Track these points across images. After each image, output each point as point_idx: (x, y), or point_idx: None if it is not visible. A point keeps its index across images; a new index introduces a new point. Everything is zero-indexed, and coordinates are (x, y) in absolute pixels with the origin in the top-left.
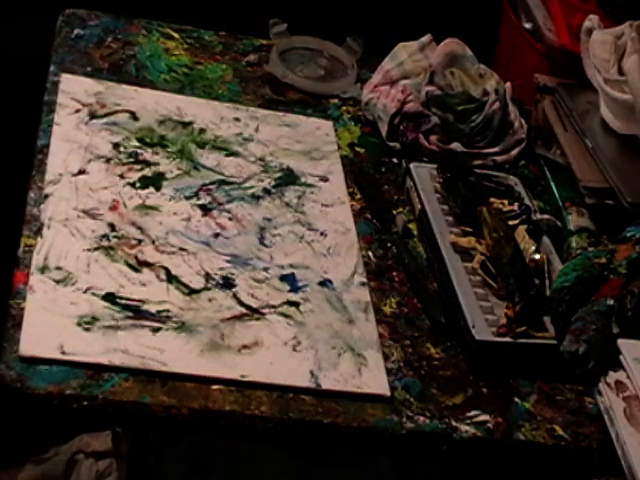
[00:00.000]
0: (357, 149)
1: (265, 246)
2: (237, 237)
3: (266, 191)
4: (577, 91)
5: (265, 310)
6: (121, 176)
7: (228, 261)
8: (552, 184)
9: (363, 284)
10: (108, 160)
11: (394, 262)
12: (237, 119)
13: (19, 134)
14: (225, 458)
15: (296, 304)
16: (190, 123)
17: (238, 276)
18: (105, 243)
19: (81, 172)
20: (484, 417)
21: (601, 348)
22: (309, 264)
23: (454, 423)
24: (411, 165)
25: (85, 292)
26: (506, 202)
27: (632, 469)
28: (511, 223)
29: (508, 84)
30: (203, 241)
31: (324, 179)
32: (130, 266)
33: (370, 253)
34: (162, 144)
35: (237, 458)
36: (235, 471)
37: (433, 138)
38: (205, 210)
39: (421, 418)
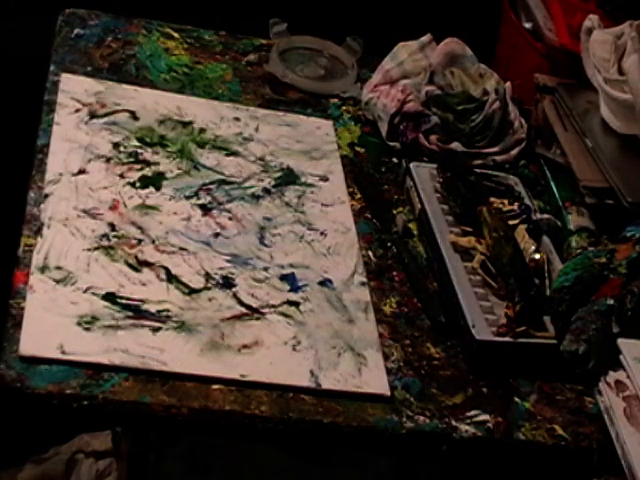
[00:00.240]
0: (357, 149)
1: (265, 246)
2: (237, 237)
3: (266, 191)
4: (577, 91)
5: (265, 310)
6: (121, 176)
7: (228, 261)
8: (552, 184)
9: (363, 284)
10: (108, 160)
11: (394, 262)
12: (237, 119)
13: (19, 134)
14: (225, 458)
15: (296, 304)
16: (190, 123)
17: (238, 276)
18: (105, 243)
19: (81, 172)
20: (484, 417)
21: (601, 348)
22: (309, 264)
23: (454, 423)
24: (411, 165)
25: (85, 292)
26: (506, 202)
27: (632, 469)
28: (511, 223)
29: (508, 84)
30: (203, 241)
31: (324, 179)
32: (130, 266)
33: (370, 253)
34: (162, 144)
35: (237, 458)
36: (235, 471)
37: (433, 138)
38: (205, 210)
39: (421, 418)
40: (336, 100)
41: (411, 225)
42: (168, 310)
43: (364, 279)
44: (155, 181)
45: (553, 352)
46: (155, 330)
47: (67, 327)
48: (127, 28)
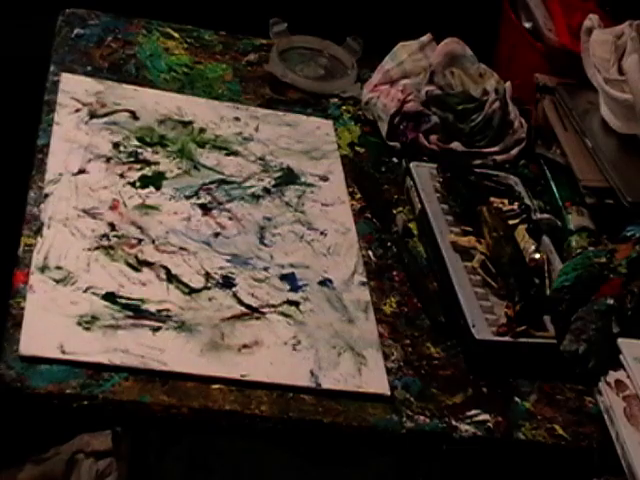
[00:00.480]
0: (357, 149)
1: (265, 245)
2: (237, 236)
3: (266, 190)
4: (577, 91)
5: (265, 309)
6: (121, 175)
7: (228, 260)
8: (552, 184)
9: (363, 284)
10: (108, 159)
11: (394, 262)
12: (237, 118)
13: (19, 134)
14: (225, 458)
15: (296, 303)
16: (190, 122)
17: (238, 275)
18: (105, 242)
19: (81, 171)
20: (484, 416)
21: (601, 347)
22: (309, 263)
23: (454, 422)
24: (411, 164)
25: (85, 291)
26: (506, 201)
27: (632, 468)
28: (511, 222)
29: (508, 84)
30: (203, 240)
31: (324, 178)
32: (130, 265)
33: (370, 252)
34: (162, 143)
35: (237, 458)
36: (235, 471)
37: (433, 138)
38: (205, 209)
39: (421, 417)
40: (336, 100)
41: (411, 225)
42: (168, 310)
43: (364, 279)
44: (155, 181)
45: (553, 352)
46: (155, 330)
47: (67, 327)
48: (127, 28)
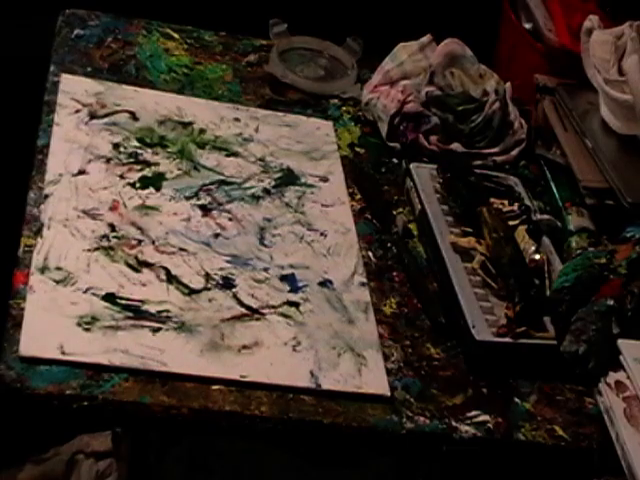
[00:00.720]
0: (357, 149)
1: (265, 246)
2: (237, 237)
3: (266, 191)
4: (577, 91)
5: (265, 310)
6: (121, 176)
7: (228, 261)
8: (552, 184)
9: (363, 284)
10: (108, 160)
11: (394, 262)
12: (237, 119)
13: (19, 134)
14: (225, 458)
15: (296, 304)
16: (190, 123)
17: (238, 276)
18: (105, 243)
19: (81, 172)
20: (484, 417)
21: (601, 348)
22: (309, 264)
23: (454, 423)
24: (411, 165)
25: (85, 292)
26: (506, 202)
27: (632, 469)
28: (511, 223)
29: (508, 84)
30: (203, 241)
31: (324, 179)
32: (130, 266)
33: (370, 253)
34: (162, 144)
35: (237, 458)
36: (235, 471)
37: (433, 138)
38: (205, 210)
39: (421, 418)
40: (336, 101)
41: (411, 225)
42: (168, 311)
43: (364, 279)
44: (155, 182)
45: (553, 353)
46: (155, 330)
47: (67, 327)
48: (127, 28)
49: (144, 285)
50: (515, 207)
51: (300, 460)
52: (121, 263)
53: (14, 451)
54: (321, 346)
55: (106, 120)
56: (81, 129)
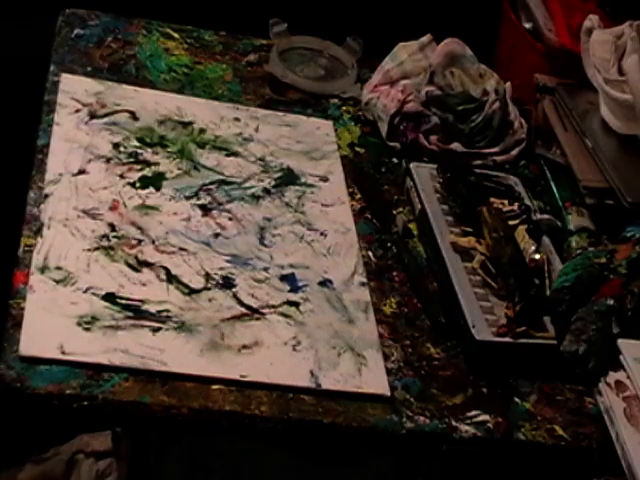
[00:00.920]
0: (357, 149)
1: (265, 246)
2: (237, 237)
3: (266, 191)
4: (577, 91)
5: (265, 310)
6: (121, 176)
7: (228, 261)
8: (552, 184)
9: (363, 284)
10: (108, 160)
11: (394, 262)
12: (237, 119)
13: (19, 134)
14: (225, 458)
15: (296, 304)
16: (190, 123)
17: (238, 276)
18: (105, 243)
19: (81, 172)
20: (484, 417)
21: (601, 348)
22: (309, 264)
23: (454, 423)
24: (411, 165)
25: (85, 292)
26: (506, 202)
27: (632, 469)
28: (511, 223)
29: (508, 84)
30: (203, 241)
31: (324, 179)
32: (130, 266)
33: (370, 253)
34: (162, 144)
35: (237, 458)
36: (235, 471)
37: (433, 138)
38: (205, 210)
39: (421, 418)
40: (336, 100)
41: (411, 225)
42: (168, 310)
43: (364, 279)
44: (155, 181)
45: (553, 352)
46: (155, 330)
47: (67, 327)
48: (127, 28)
49: (144, 285)
50: (515, 207)
51: (300, 459)
52: (121, 263)
53: (14, 451)
54: (321, 346)
55: (106, 120)
56: (81, 129)
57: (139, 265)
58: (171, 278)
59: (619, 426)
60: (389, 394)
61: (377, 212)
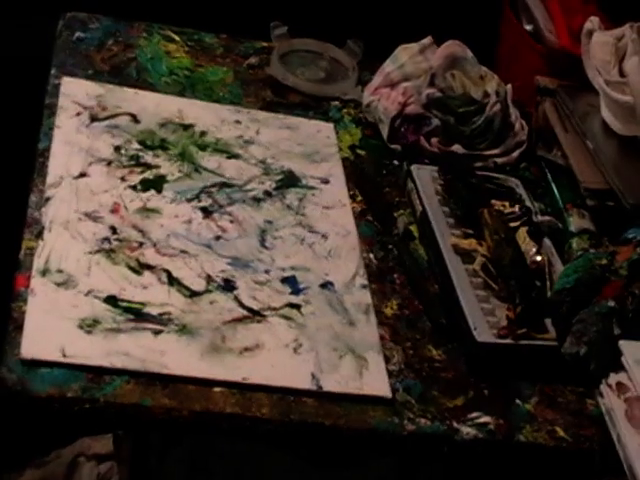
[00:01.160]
0: (358, 151)
1: (266, 248)
2: (238, 239)
3: (267, 193)
4: (578, 93)
5: (266, 312)
6: (122, 179)
7: (229, 263)
8: (553, 186)
9: (364, 286)
10: (109, 163)
11: (395, 264)
12: (238, 122)
13: (21, 137)
14: (227, 460)
15: (297, 306)
16: (191, 126)
17: (239, 278)
18: (106, 246)
19: (82, 175)
20: (485, 419)
21: (602, 350)
22: (310, 266)
23: (455, 425)
24: (412, 167)
25: (86, 295)
26: (507, 204)
27: (633, 470)
28: (512, 225)
29: (509, 86)
30: (204, 243)
31: (325, 181)
32: (131, 269)
33: (371, 255)
34: (163, 147)
35: (238, 460)
36: (236, 473)
37: (434, 140)
38: (206, 212)
39: (422, 420)
40: (337, 103)
41: (412, 227)
42: (169, 313)
43: (365, 282)
44: (156, 184)
45: (554, 354)
46: (156, 333)
47: (68, 330)
48: (128, 31)
49: (145, 288)
50: (516, 209)
51: (301, 462)
52: (122, 266)
53: (15, 454)
54: (322, 348)
55: (107, 123)
56: (82, 132)
57: (140, 268)
58: (172, 281)
59: (620, 427)
60: (390, 396)
61: (378, 214)
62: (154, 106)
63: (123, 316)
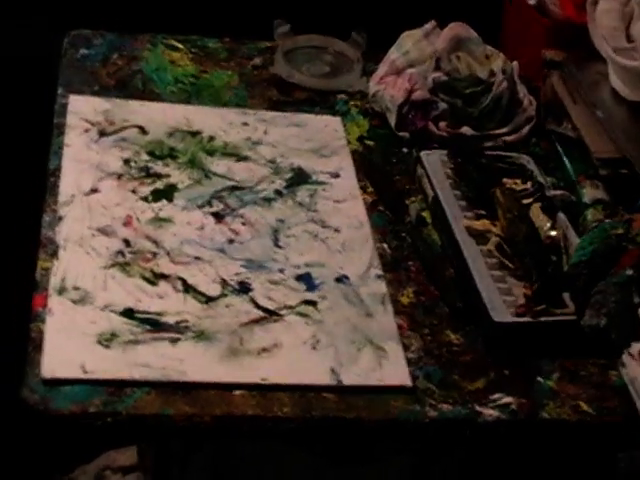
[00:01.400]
0: (367, 142)
1: (279, 247)
2: (251, 241)
3: (278, 193)
4: (585, 63)
5: (283, 311)
6: (133, 191)
7: (243, 266)
8: (564, 159)
9: (379, 277)
10: (119, 176)
11: (409, 252)
12: (245, 123)
13: (33, 159)
14: (247, 462)
15: (313, 303)
16: (199, 132)
17: (254, 280)
18: (120, 259)
19: (93, 191)
20: (507, 399)
21: (622, 320)
22: (324, 262)
23: (478, 408)
24: (421, 153)
25: (103, 309)
26: (519, 181)
27: None
28: (525, 202)
29: (515, 63)
30: (218, 248)
31: (335, 175)
32: (146, 280)
33: (385, 245)
34: (172, 155)
35: (259, 461)
36: (258, 474)
37: (442, 124)
38: (218, 217)
39: (444, 405)
40: (343, 96)
41: (424, 214)
42: (186, 320)
43: (380, 272)
44: (167, 193)
45: (574, 328)
46: (174, 341)
47: (87, 346)
48: (132, 44)
49: (161, 297)
50: (528, 185)
51: (323, 460)
52: (137, 277)
53: (40, 473)
54: (340, 342)
55: (115, 137)
56: (91, 148)
57: (155, 278)
58: (188, 288)
59: None
60: (411, 384)
61: (389, 203)
62: (161, 116)
63: (140, 327)
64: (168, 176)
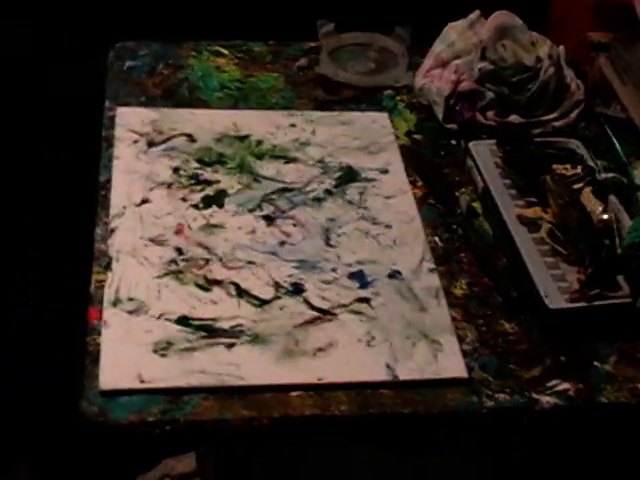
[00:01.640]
0: (415, 136)
1: (331, 247)
2: (303, 242)
3: (328, 192)
4: (632, 43)
5: (336, 310)
6: (183, 199)
7: (296, 267)
8: (615, 141)
9: (432, 270)
10: (169, 185)
11: (461, 244)
12: (293, 125)
13: (83, 173)
14: (308, 461)
15: (367, 300)
16: (247, 136)
17: (307, 280)
18: (173, 268)
19: (144, 201)
20: (564, 385)
21: None
22: (376, 258)
23: (535, 395)
24: (470, 144)
25: (158, 318)
26: (569, 167)
27: None
28: (576, 187)
29: (561, 47)
30: (269, 251)
31: (384, 171)
32: (200, 286)
33: (436, 238)
34: (221, 161)
35: (319, 459)
36: (320, 472)
37: (490, 114)
38: (269, 220)
39: (501, 395)
40: (389, 91)
41: (475, 204)
42: (241, 325)
43: (432, 265)
44: (217, 199)
45: (630, 311)
46: (229, 346)
47: (143, 356)
48: (177, 52)
49: (215, 303)
50: (579, 170)
51: (385, 454)
52: (191, 285)
53: None
54: (395, 337)
55: (164, 146)
56: (140, 159)
57: (208, 284)
58: (241, 292)
59: None
60: (467, 376)
61: (440, 196)
62: (209, 123)
63: (195, 334)
64: (218, 182)
